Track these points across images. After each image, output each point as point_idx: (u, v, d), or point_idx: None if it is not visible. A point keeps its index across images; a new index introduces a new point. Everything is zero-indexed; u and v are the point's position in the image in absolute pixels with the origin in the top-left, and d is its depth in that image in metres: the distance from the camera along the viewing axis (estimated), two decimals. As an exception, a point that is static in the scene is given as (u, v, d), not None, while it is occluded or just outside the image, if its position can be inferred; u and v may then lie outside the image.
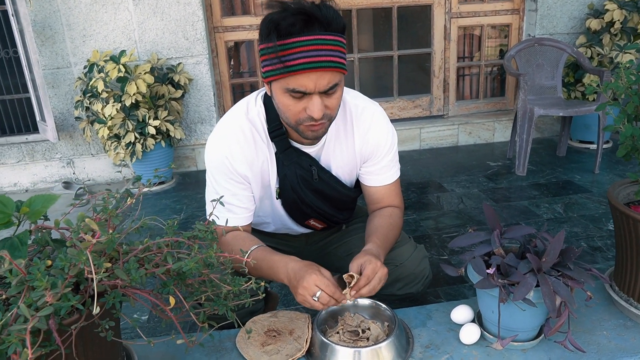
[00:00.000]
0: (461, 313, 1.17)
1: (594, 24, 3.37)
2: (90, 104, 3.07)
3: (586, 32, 3.47)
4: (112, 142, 3.09)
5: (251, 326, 1.19)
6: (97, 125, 3.08)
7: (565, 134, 3.33)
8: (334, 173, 1.30)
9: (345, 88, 1.26)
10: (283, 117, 1.17)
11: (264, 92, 1.26)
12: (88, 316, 0.75)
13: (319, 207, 1.31)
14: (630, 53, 3.19)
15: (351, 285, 1.08)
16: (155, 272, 0.85)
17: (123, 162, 3.29)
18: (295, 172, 1.25)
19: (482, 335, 1.14)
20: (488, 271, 1.01)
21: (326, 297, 1.03)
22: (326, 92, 1.09)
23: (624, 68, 1.20)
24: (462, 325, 1.16)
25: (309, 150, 1.26)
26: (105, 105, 3.00)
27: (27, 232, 0.78)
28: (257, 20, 3.49)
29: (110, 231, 0.74)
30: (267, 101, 1.24)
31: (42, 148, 3.43)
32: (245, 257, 0.97)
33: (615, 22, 3.26)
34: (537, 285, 0.99)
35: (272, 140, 1.24)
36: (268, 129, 1.23)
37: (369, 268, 1.07)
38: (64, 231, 0.82)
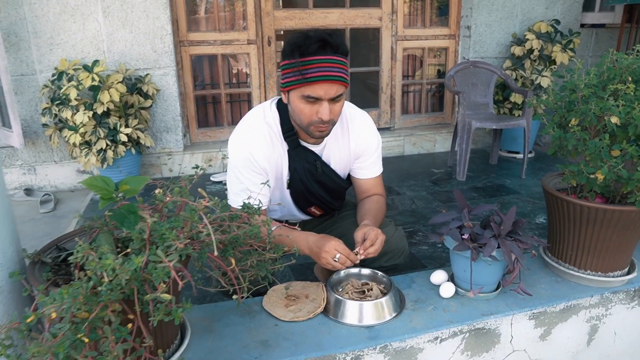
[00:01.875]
0: (439, 275, 1.50)
1: (517, 50, 3.92)
2: (59, 111, 3.14)
3: (511, 57, 4.03)
4: (82, 149, 3.17)
5: (272, 293, 1.44)
6: (66, 132, 3.15)
7: (496, 144, 3.84)
8: (333, 167, 1.60)
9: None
10: (297, 120, 1.45)
11: (276, 100, 1.54)
12: (184, 266, 0.98)
13: (321, 195, 1.60)
14: (546, 76, 3.76)
15: (359, 247, 1.37)
16: (223, 239, 1.09)
17: (89, 170, 3.37)
18: (303, 166, 1.54)
19: (455, 292, 1.47)
20: (463, 237, 1.34)
21: (344, 257, 1.33)
22: (333, 100, 1.39)
23: (551, 88, 1.59)
24: (439, 285, 1.48)
25: (314, 148, 1.55)
26: (76, 113, 3.09)
27: (133, 204, 1.00)
28: (220, 36, 3.73)
29: (216, 198, 0.99)
30: (280, 107, 1.52)
31: (1, 155, 3.42)
32: (273, 230, 1.23)
33: (534, 50, 3.83)
34: (498, 247, 1.33)
35: (285, 140, 1.51)
36: (282, 130, 1.51)
37: (372, 233, 1.39)
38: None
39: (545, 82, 3.73)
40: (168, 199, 1.05)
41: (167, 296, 0.86)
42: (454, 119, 4.38)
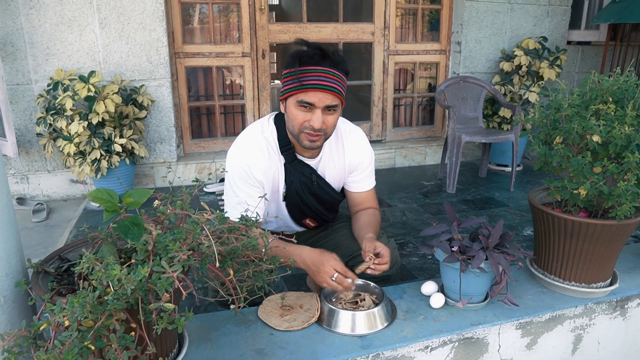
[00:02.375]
0: (429, 286, 1.55)
1: (506, 66, 4.03)
2: (54, 121, 3.17)
3: (500, 72, 4.13)
4: (77, 159, 3.19)
5: (267, 303, 1.48)
6: (60, 142, 3.17)
7: (485, 158, 3.92)
8: (327, 180, 1.65)
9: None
10: (290, 127, 1.50)
11: (274, 115, 1.59)
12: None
13: (316, 207, 1.65)
14: (534, 92, 3.86)
15: (368, 262, 1.41)
16: (221, 250, 1.13)
17: (84, 180, 3.38)
18: (299, 179, 1.58)
19: (445, 302, 1.51)
20: (452, 249, 1.40)
21: (341, 277, 1.37)
22: (327, 110, 1.45)
23: (537, 107, 1.66)
24: (430, 296, 1.53)
25: (310, 162, 1.60)
26: (71, 123, 3.12)
27: (137, 216, 1.04)
28: (215, 49, 3.78)
29: (217, 211, 1.03)
30: (278, 123, 1.57)
31: (3, 164, 3.42)
32: (270, 242, 1.28)
33: (522, 65, 3.94)
34: (486, 259, 1.39)
35: (282, 154, 1.56)
36: (279, 144, 1.56)
37: (385, 251, 1.44)
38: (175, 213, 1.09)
39: (533, 97, 3.83)
40: (170, 211, 1.09)
41: (170, 305, 0.90)
42: (444, 132, 4.47)
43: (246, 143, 1.55)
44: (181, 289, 0.88)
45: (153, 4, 3.41)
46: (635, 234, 2.75)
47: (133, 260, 0.97)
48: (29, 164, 3.50)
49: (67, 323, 0.82)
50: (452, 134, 3.46)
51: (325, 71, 1.42)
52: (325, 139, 1.53)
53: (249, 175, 1.51)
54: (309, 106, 1.43)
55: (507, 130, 3.84)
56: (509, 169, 3.95)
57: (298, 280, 2.27)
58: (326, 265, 1.40)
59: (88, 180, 3.56)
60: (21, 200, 3.48)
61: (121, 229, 1.02)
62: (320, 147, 1.56)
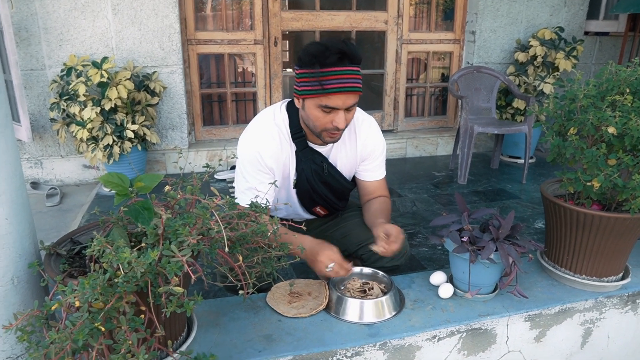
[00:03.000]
0: (438, 276, 1.54)
1: (521, 56, 3.96)
2: (67, 106, 3.19)
3: (515, 63, 4.07)
4: (89, 144, 3.22)
5: (276, 290, 1.49)
6: (74, 127, 3.20)
7: (498, 149, 3.88)
8: (338, 169, 1.64)
9: None
10: (310, 126, 1.50)
11: (286, 103, 1.59)
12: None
13: (326, 195, 1.65)
14: (549, 83, 3.80)
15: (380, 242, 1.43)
16: (231, 236, 1.14)
17: (96, 165, 3.41)
18: (310, 166, 1.58)
19: (454, 292, 1.51)
20: (462, 240, 1.39)
21: (337, 267, 1.38)
22: (348, 109, 1.44)
23: (552, 97, 1.64)
24: (438, 286, 1.53)
25: (322, 150, 1.60)
26: (84, 108, 3.14)
27: (148, 201, 1.04)
28: (228, 36, 3.77)
29: (227, 197, 1.03)
30: (290, 110, 1.56)
31: (18, 149, 3.46)
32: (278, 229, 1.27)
33: (537, 56, 3.87)
34: (496, 250, 1.38)
35: (293, 141, 1.56)
36: (291, 132, 1.55)
37: (395, 231, 1.45)
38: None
39: (547, 88, 3.77)
40: (180, 196, 1.10)
41: (179, 289, 0.91)
42: (456, 123, 4.43)
43: (258, 129, 1.55)
44: (190, 273, 0.89)
45: (166, -10, 3.41)
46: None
47: (143, 244, 0.98)
48: (43, 149, 3.54)
49: (77, 304, 0.83)
50: (465, 125, 3.43)
51: (346, 72, 1.39)
52: (343, 131, 1.54)
53: (259, 162, 1.51)
54: (332, 109, 1.43)
55: (521, 121, 3.80)
56: (521, 161, 3.90)
57: (307, 267, 2.27)
58: (322, 255, 1.41)
59: (100, 166, 3.60)
60: (35, 185, 3.52)
61: (132, 212, 1.03)
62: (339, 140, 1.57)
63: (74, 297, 0.84)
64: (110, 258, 0.91)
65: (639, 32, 4.31)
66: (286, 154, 1.57)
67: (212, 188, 1.08)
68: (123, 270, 0.89)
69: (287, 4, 4.07)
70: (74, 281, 0.91)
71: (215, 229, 0.97)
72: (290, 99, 1.59)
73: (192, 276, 0.89)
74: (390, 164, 4.08)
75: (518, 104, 3.83)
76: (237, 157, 1.56)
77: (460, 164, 3.49)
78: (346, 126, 1.48)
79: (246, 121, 3.97)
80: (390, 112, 4.29)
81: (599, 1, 4.41)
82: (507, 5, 4.06)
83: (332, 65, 1.38)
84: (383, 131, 4.08)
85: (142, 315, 0.96)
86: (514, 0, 4.07)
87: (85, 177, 3.65)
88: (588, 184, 1.46)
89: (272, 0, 3.74)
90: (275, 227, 1.23)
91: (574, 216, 1.51)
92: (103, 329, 0.86)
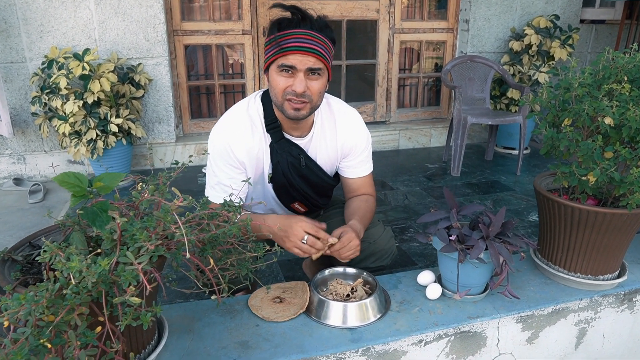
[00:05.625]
0: (426, 276, 1.47)
1: (516, 45, 3.87)
2: (49, 100, 3.09)
3: (509, 52, 3.98)
4: (72, 139, 3.12)
5: (257, 293, 1.41)
6: (56, 122, 3.10)
7: (492, 140, 3.80)
8: (318, 162, 1.56)
9: (331, 96, 1.54)
10: (273, 97, 1.41)
11: (262, 92, 1.50)
12: (160, 266, 0.95)
13: (305, 190, 1.57)
14: (544, 72, 3.72)
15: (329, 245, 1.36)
16: (203, 237, 1.06)
17: (80, 160, 3.32)
18: (286, 159, 1.50)
19: (442, 293, 1.44)
20: (450, 238, 1.31)
21: (313, 239, 1.30)
22: (310, 74, 1.36)
23: (545, 86, 1.56)
24: (426, 286, 1.45)
25: (299, 141, 1.51)
26: (66, 102, 3.04)
27: (107, 202, 0.96)
28: (215, 26, 3.67)
29: (190, 197, 0.95)
30: (265, 100, 1.48)
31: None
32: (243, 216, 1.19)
33: (532, 45, 3.79)
34: (486, 249, 1.30)
35: (268, 132, 1.47)
36: (265, 122, 1.47)
37: (346, 237, 1.36)
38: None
39: (542, 77, 3.69)
40: (144, 196, 1.01)
41: (136, 300, 0.83)
42: (450, 114, 4.34)
43: (229, 121, 1.46)
44: (145, 282, 0.81)
45: (149, -21, 3.30)
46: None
47: (100, 250, 0.90)
48: (26, 144, 3.44)
49: (6, 324, 0.75)
50: (458, 116, 3.34)
51: (306, 33, 1.34)
52: (312, 109, 1.42)
53: (229, 155, 1.43)
54: (290, 70, 1.35)
55: (515, 112, 3.72)
56: (516, 152, 3.83)
57: (294, 265, 2.20)
58: (295, 228, 1.32)
59: (85, 161, 3.50)
60: (18, 181, 3.43)
61: (88, 215, 0.95)
62: (305, 117, 1.43)
63: (17, 311, 0.76)
64: (61, 266, 0.83)
65: (636, 19, 4.22)
66: (259, 146, 1.48)
67: (173, 189, 1.00)
68: (74, 280, 0.82)
69: (276, -8, 3.95)
70: (26, 290, 0.83)
71: (178, 232, 0.89)
72: (267, 89, 1.50)
73: (147, 286, 0.81)
74: (382, 155, 4.03)
75: (512, 93, 3.75)
76: (208, 153, 1.48)
77: (454, 156, 3.42)
78: (312, 97, 1.38)
79: (235, 114, 3.88)
80: (382, 103, 4.20)
81: (595, -12, 4.32)
82: (502, -7, 3.97)
83: (291, 27, 1.34)
84: (375, 123, 3.93)
85: (100, 327, 0.88)
86: (508, -12, 3.98)
87: (52, 179, 3.55)
88: (583, 178, 1.38)
89: (260, -12, 3.63)
90: (247, 223, 1.15)
91: (568, 212, 1.43)
92: (50, 345, 0.78)
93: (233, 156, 1.43)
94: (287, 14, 1.38)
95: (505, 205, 2.91)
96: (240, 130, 1.44)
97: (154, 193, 1.03)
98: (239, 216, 1.11)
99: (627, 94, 1.41)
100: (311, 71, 1.35)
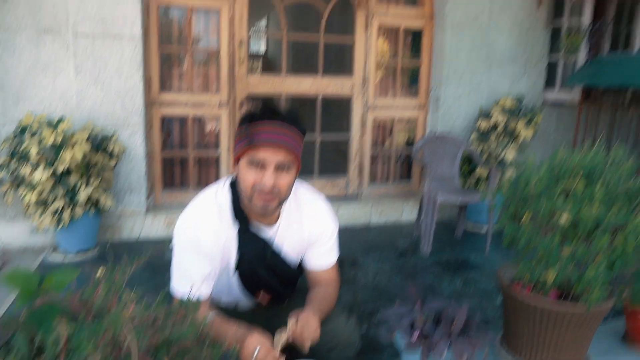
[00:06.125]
0: (390, 373, 1.43)
1: (484, 124, 4.04)
2: (18, 166, 3.04)
3: (477, 130, 4.14)
4: (37, 208, 3.05)
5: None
6: (22, 190, 3.04)
7: (462, 217, 3.86)
8: (284, 252, 1.55)
9: (300, 183, 1.56)
10: (242, 191, 1.42)
11: (231, 179, 1.51)
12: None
13: (269, 279, 1.54)
14: (511, 151, 3.86)
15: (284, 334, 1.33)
16: (154, 341, 1.02)
17: (43, 230, 3.22)
18: (253, 248, 1.48)
19: (406, 391, 1.40)
20: (412, 339, 1.29)
21: (263, 353, 1.27)
22: (279, 169, 1.37)
23: (506, 181, 1.61)
24: (390, 383, 1.41)
25: (267, 232, 1.51)
26: (35, 170, 3.00)
27: (56, 306, 0.92)
28: (193, 98, 3.74)
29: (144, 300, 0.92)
30: (234, 187, 1.49)
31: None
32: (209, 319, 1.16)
33: (499, 124, 3.96)
34: (451, 344, 1.29)
35: (236, 220, 1.47)
36: (233, 210, 1.47)
37: (302, 316, 1.36)
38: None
39: (510, 155, 3.82)
40: (96, 296, 0.98)
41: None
42: (421, 188, 4.42)
43: (196, 211, 1.46)
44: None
45: (131, 51, 3.38)
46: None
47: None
48: (-12, 210, 3.34)
49: None
50: (428, 193, 3.41)
51: (276, 127, 1.37)
52: (280, 203, 1.44)
53: (195, 246, 1.41)
54: (260, 164, 1.36)
55: (484, 189, 3.81)
56: (485, 228, 3.89)
57: None
58: (248, 340, 1.30)
59: (49, 232, 3.39)
60: (-25, 249, 3.30)
61: (35, 318, 0.91)
62: (274, 211, 1.45)
63: None
64: (-3, 380, 0.78)
65: (592, 102, 4.49)
66: (226, 235, 1.47)
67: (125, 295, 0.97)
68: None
69: (261, 64, 4.10)
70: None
71: (129, 338, 0.86)
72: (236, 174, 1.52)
73: (87, 407, 0.76)
74: (353, 232, 4.01)
75: (481, 171, 3.86)
76: (172, 244, 1.45)
77: (424, 233, 3.45)
78: (281, 192, 1.39)
79: (208, 184, 3.88)
80: (355, 178, 4.26)
81: (555, 72, 4.60)
82: (470, 75, 4.19)
83: (262, 119, 1.37)
84: (347, 197, 3.93)
85: None
86: (476, 71, 4.20)
87: (32, 241, 3.44)
88: (543, 274, 1.41)
89: (238, 64, 3.76)
90: (205, 322, 1.11)
91: (531, 309, 1.44)
92: None
93: (201, 248, 1.42)
94: (259, 106, 1.42)
95: (474, 285, 2.92)
96: (208, 221, 1.44)
97: (107, 293, 1.00)
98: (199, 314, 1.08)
99: (581, 191, 1.47)
100: (280, 166, 1.38)
